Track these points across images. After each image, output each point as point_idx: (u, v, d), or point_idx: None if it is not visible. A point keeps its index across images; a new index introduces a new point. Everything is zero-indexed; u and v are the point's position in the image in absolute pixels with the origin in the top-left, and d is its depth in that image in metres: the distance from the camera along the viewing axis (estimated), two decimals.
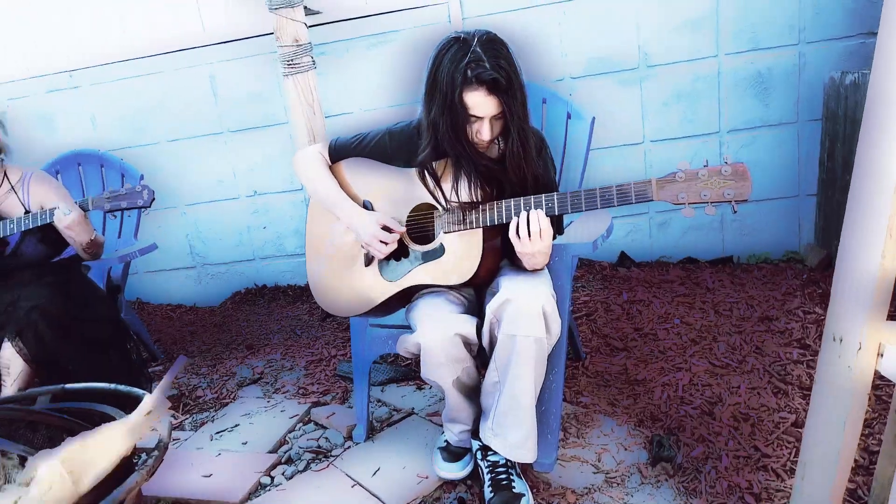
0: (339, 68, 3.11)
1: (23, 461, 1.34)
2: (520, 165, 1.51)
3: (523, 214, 1.43)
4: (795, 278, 2.63)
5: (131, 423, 1.12)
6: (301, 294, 3.33)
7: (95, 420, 1.41)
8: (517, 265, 1.64)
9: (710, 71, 2.89)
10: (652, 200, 1.33)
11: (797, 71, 2.83)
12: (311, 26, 2.69)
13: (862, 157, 1.03)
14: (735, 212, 1.28)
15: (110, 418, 1.32)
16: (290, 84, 2.55)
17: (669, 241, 3.11)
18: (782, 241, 3.02)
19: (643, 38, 2.90)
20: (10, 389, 2.15)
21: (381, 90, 3.12)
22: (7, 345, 2.12)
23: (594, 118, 2.04)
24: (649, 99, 2.97)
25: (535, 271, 1.55)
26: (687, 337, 2.26)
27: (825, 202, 2.80)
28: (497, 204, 1.49)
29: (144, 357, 2.74)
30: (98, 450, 1.05)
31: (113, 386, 1.45)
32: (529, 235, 1.42)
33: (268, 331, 2.96)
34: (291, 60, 2.53)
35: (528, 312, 1.42)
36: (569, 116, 2.10)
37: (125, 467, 1.14)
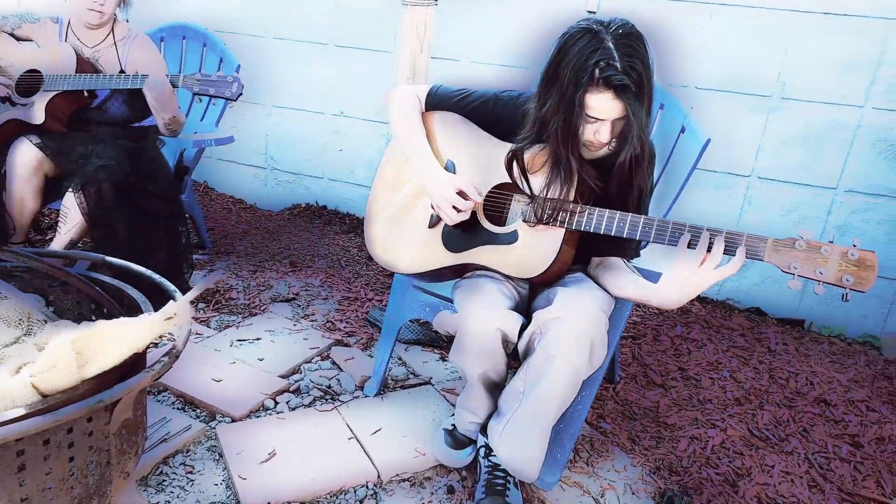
0: (457, 11, 2.97)
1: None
2: (629, 176, 1.39)
3: (719, 241, 1.22)
4: (868, 366, 2.42)
5: (152, 322, 1.10)
6: (357, 226, 3.30)
7: (123, 301, 1.40)
8: (588, 273, 1.53)
9: (848, 120, 2.61)
10: (760, 260, 1.18)
11: None
12: None
13: None
14: (847, 300, 1.13)
15: (136, 306, 1.30)
16: (406, 15, 2.44)
17: (742, 284, 2.90)
18: (864, 322, 2.77)
19: (787, 66, 2.64)
20: (63, 237, 2.22)
21: (495, 46, 2.96)
22: (70, 194, 2.17)
23: (709, 140, 1.86)
24: (771, 132, 2.72)
25: (585, 290, 1.43)
26: (732, 394, 2.11)
27: None
28: (595, 210, 1.36)
29: (193, 242, 2.77)
30: (112, 341, 1.03)
31: (149, 273, 1.43)
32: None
33: (314, 253, 2.94)
34: None
35: (576, 338, 1.31)
36: (682, 131, 1.93)
37: (132, 364, 1.11)
